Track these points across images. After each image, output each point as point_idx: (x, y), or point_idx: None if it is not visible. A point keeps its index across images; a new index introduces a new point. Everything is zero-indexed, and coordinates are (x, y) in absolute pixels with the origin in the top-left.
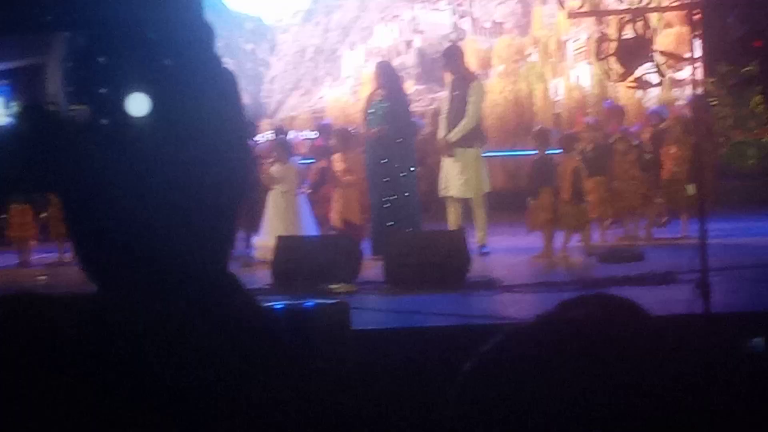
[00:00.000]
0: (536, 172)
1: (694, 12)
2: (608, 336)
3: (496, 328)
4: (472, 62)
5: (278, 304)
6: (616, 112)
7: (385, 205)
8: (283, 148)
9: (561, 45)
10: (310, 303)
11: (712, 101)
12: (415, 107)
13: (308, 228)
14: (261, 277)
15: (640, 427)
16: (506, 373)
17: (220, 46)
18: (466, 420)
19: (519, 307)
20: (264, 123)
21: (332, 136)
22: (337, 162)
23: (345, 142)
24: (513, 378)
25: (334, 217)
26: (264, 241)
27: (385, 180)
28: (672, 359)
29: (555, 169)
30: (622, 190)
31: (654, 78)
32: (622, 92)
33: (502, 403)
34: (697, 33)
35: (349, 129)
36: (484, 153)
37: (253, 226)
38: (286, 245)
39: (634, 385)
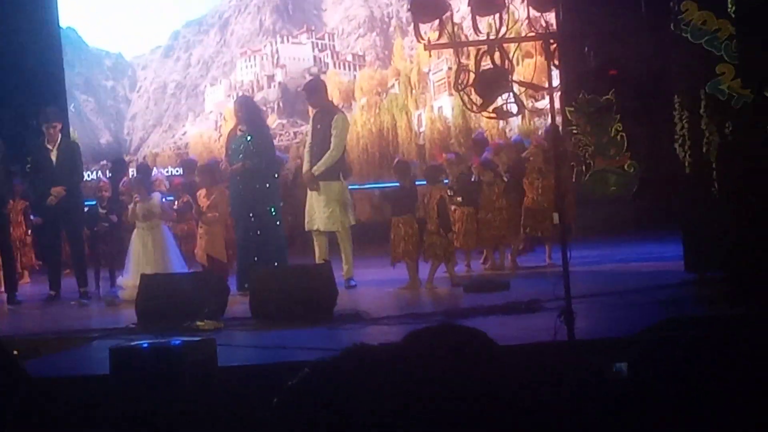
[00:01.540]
0: (395, 201)
1: (551, 42)
2: (452, 365)
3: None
4: (334, 95)
5: (144, 343)
6: (480, 142)
7: (250, 241)
8: (142, 184)
9: (423, 76)
10: (176, 341)
11: (572, 130)
12: (279, 141)
13: (175, 265)
14: (127, 316)
15: None
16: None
17: (80, 83)
18: None
19: (386, 339)
20: (126, 160)
21: (196, 172)
22: (201, 198)
23: (208, 178)
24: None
25: (199, 254)
26: (129, 279)
27: (249, 215)
28: (525, 387)
29: (416, 199)
30: (489, 220)
31: (514, 108)
32: (485, 123)
33: None
34: (554, 63)
35: (212, 164)
36: (349, 186)
37: (118, 264)
38: (151, 283)
39: (477, 412)
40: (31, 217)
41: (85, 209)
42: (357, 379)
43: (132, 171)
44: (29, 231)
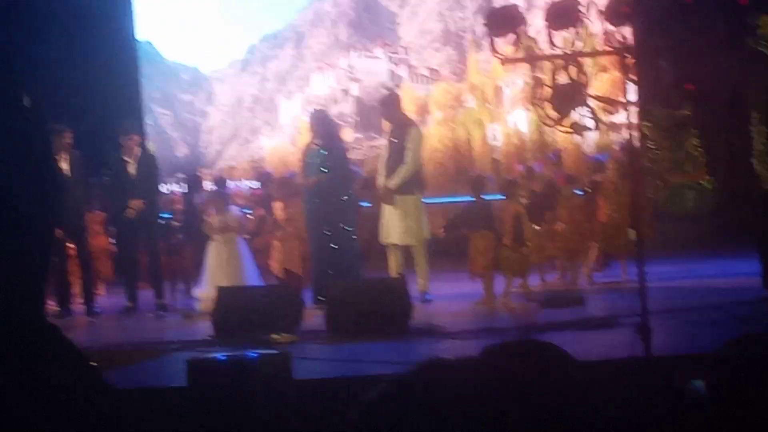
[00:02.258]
0: (474, 218)
1: (626, 57)
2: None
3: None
4: (409, 109)
5: (220, 355)
6: (557, 159)
7: (325, 254)
8: (220, 198)
9: (498, 91)
10: (252, 353)
11: (649, 145)
12: (354, 155)
13: (250, 278)
14: (203, 328)
15: None
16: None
17: (158, 97)
18: None
19: (461, 354)
20: (203, 173)
21: (271, 185)
22: (277, 211)
23: (284, 191)
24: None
25: (275, 266)
26: (205, 292)
27: (325, 229)
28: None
29: (491, 214)
30: (564, 233)
31: (590, 122)
32: (560, 137)
33: None
34: (630, 77)
35: (289, 178)
36: (424, 199)
37: (194, 276)
38: (227, 296)
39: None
40: (110, 229)
41: (161, 222)
42: (434, 393)
43: (207, 185)
44: (110, 241)
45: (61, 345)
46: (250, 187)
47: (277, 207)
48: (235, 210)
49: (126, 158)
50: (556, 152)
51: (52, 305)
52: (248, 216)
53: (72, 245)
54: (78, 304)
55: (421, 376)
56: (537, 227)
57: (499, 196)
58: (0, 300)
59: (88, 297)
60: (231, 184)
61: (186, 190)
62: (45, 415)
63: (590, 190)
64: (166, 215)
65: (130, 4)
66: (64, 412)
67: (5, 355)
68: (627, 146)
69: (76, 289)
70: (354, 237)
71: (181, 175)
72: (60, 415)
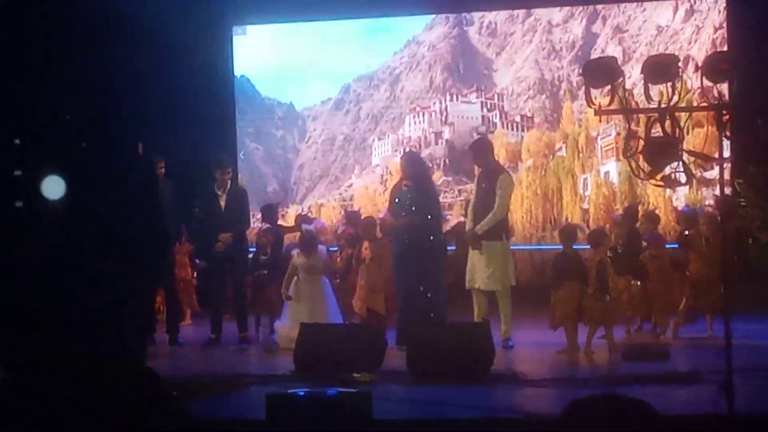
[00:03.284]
0: (560, 267)
1: (723, 113)
2: None
3: (518, 423)
4: (501, 155)
5: (300, 391)
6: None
7: (412, 295)
8: (309, 240)
9: (590, 140)
10: (332, 391)
11: (741, 202)
12: (444, 198)
13: (332, 316)
14: (283, 363)
15: None
16: None
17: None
18: None
19: (542, 403)
20: (291, 209)
21: (360, 224)
22: (365, 250)
23: (372, 231)
24: None
25: (358, 305)
26: (287, 327)
27: (413, 270)
28: None
29: (580, 265)
30: (656, 291)
31: (682, 177)
32: (651, 190)
33: None
34: (726, 134)
35: (377, 218)
36: (512, 246)
37: (276, 311)
38: (310, 332)
39: None
40: (196, 261)
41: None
42: None
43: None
44: (194, 274)
45: (157, 392)
46: (340, 226)
47: (364, 246)
48: (322, 251)
49: (218, 191)
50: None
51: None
52: (335, 255)
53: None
54: (162, 333)
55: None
56: (624, 279)
57: (585, 246)
58: (107, 346)
59: (172, 326)
60: (320, 222)
61: (269, 225)
62: None
63: (683, 244)
64: (252, 249)
65: (230, 39)
66: None
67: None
68: (720, 202)
69: (162, 318)
70: (440, 279)
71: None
72: None
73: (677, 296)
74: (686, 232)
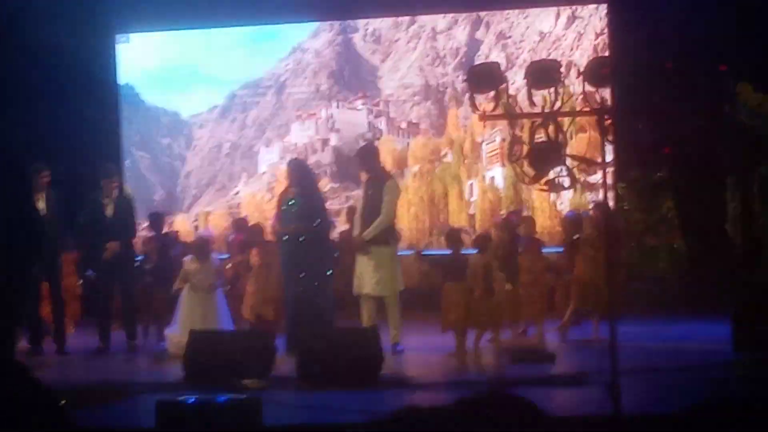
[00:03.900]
0: (448, 270)
1: (605, 118)
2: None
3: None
4: (387, 161)
5: (190, 398)
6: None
7: (299, 302)
8: (202, 246)
9: (476, 146)
10: (222, 397)
11: (624, 206)
12: (331, 205)
13: (223, 323)
14: (173, 371)
15: None
16: None
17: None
18: None
19: (432, 405)
20: (179, 218)
21: (247, 232)
22: (253, 257)
23: (259, 238)
24: None
25: (247, 311)
26: (177, 334)
27: (300, 277)
28: None
29: (467, 268)
30: (527, 295)
31: (566, 181)
32: (536, 195)
33: None
34: (608, 138)
35: (264, 225)
36: (399, 252)
37: (166, 319)
38: (199, 339)
39: None
40: (89, 272)
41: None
42: None
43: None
44: (80, 282)
45: (28, 384)
46: (229, 234)
47: (253, 254)
48: (214, 258)
49: (104, 200)
50: (516, 212)
51: (23, 343)
52: (224, 263)
53: (45, 284)
54: (49, 343)
55: (396, 424)
56: (508, 284)
57: (473, 251)
58: None
59: (59, 336)
60: (209, 231)
61: (154, 233)
62: None
63: (569, 247)
64: (139, 258)
65: (113, 47)
66: None
67: None
68: (602, 206)
69: (49, 327)
70: (328, 286)
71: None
72: None
73: (546, 300)
74: (574, 237)
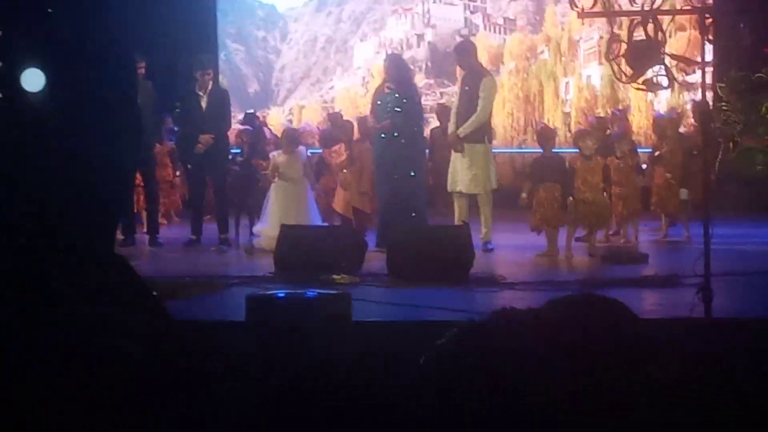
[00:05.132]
0: (539, 169)
1: (706, 17)
2: (593, 335)
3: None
4: (483, 58)
5: (280, 293)
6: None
7: (392, 198)
8: (290, 138)
9: (573, 44)
10: (312, 293)
11: (722, 106)
12: (425, 101)
13: (311, 218)
14: (263, 265)
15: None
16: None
17: (232, 32)
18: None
19: (521, 305)
20: (273, 110)
21: (341, 125)
22: (342, 152)
23: (352, 134)
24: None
25: (341, 205)
26: (267, 229)
27: (393, 173)
28: (665, 360)
29: (560, 168)
30: (625, 194)
31: (664, 81)
32: (633, 93)
33: (461, 395)
34: (708, 38)
35: (358, 119)
36: (493, 149)
37: (256, 213)
38: (291, 234)
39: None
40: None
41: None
42: (507, 341)
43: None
44: (176, 173)
45: (126, 275)
46: (319, 127)
47: (341, 148)
48: (303, 154)
49: (199, 92)
50: (621, 110)
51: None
52: (316, 155)
53: (140, 175)
54: (142, 234)
55: (494, 324)
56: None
57: (569, 150)
58: (74, 230)
59: (152, 228)
60: (303, 123)
61: (249, 128)
62: (107, 341)
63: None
64: (235, 150)
65: None
66: (126, 339)
67: (75, 281)
68: (701, 106)
69: (142, 218)
70: (421, 182)
71: (251, 111)
72: (121, 342)
73: (640, 200)
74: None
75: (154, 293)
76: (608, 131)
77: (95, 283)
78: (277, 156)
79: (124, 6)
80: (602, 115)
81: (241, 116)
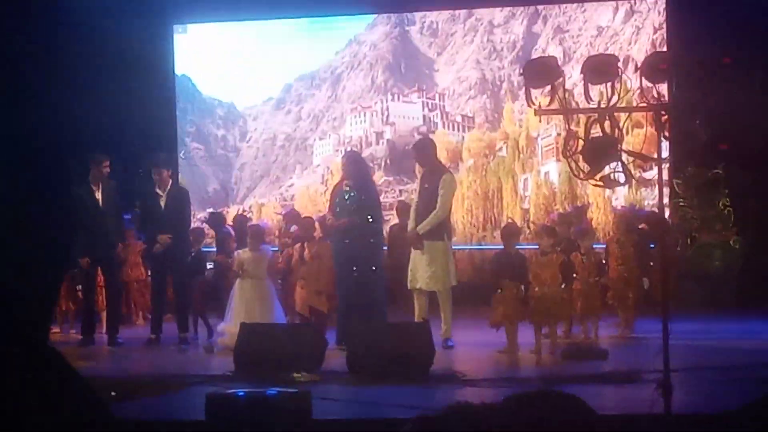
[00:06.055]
0: (501, 266)
1: (662, 114)
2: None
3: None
4: (442, 155)
5: (240, 391)
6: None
7: (351, 296)
8: (256, 235)
9: (531, 141)
10: (272, 391)
11: (679, 202)
12: (384, 198)
13: (275, 316)
14: (223, 364)
15: None
16: None
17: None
18: None
19: (480, 401)
20: (232, 209)
21: (300, 224)
22: (306, 250)
23: (313, 231)
24: None
25: (299, 304)
26: (229, 327)
27: (352, 270)
28: None
29: (521, 264)
30: (586, 291)
31: (621, 177)
32: (591, 190)
33: None
34: (664, 134)
35: (317, 218)
36: (453, 246)
37: (219, 311)
38: (250, 332)
39: None
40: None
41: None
42: None
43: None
44: (148, 272)
45: (61, 370)
46: (288, 225)
47: (305, 246)
48: (268, 252)
49: (158, 191)
50: (580, 207)
51: (75, 333)
52: (276, 255)
53: (101, 274)
54: (101, 334)
55: (447, 420)
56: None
57: (528, 246)
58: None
59: (112, 327)
60: (265, 223)
61: (210, 226)
62: None
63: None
64: (206, 249)
65: (171, 38)
66: None
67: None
68: (657, 203)
69: (102, 318)
70: (381, 279)
71: (211, 210)
72: None
73: (600, 296)
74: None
75: (112, 393)
76: (571, 228)
77: (21, 376)
78: (242, 253)
79: (87, 105)
80: (562, 211)
81: (200, 215)
